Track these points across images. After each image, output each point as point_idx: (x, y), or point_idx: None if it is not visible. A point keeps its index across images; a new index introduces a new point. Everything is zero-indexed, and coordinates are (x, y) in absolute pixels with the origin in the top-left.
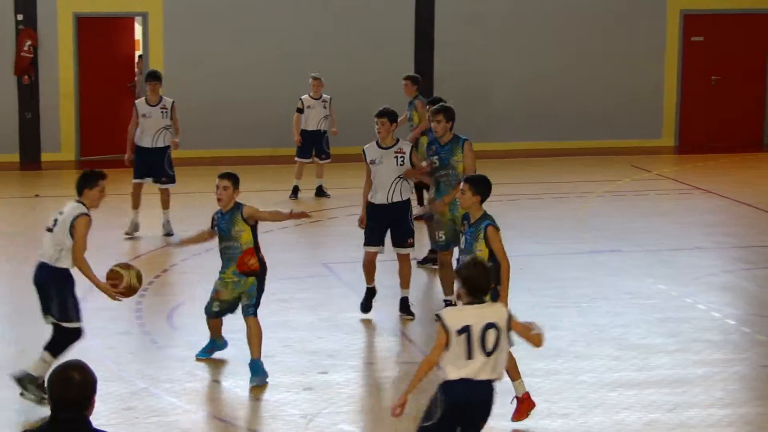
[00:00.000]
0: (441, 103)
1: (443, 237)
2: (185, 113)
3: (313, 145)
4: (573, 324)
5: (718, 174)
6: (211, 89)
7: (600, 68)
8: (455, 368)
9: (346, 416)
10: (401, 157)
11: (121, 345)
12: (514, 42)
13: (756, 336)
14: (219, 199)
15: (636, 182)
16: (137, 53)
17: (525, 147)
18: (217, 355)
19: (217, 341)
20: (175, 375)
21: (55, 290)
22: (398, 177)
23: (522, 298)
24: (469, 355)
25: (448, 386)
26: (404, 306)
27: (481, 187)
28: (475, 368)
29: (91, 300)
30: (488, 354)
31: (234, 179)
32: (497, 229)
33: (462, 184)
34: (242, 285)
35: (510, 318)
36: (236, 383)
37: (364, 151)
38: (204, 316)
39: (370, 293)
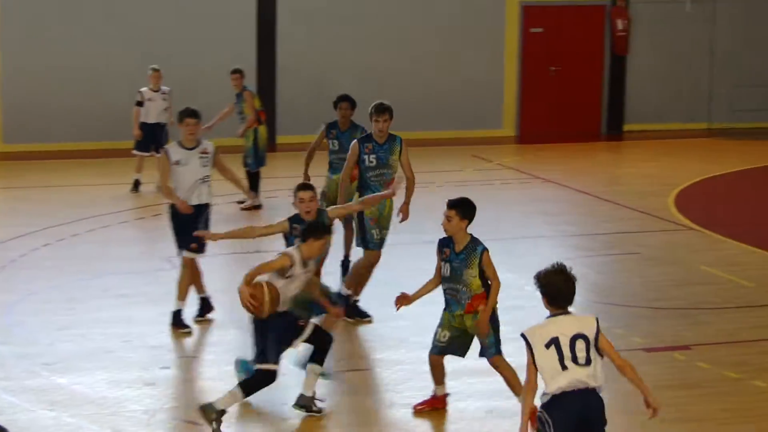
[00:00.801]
0: (381, 102)
1: (379, 236)
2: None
3: (153, 138)
4: (415, 314)
5: (558, 163)
6: (50, 81)
7: (441, 59)
8: (553, 382)
9: (186, 411)
10: (206, 158)
11: None
12: (356, 33)
13: None
14: (307, 212)
15: (478, 172)
16: None
17: None
18: (49, 351)
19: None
20: (13, 373)
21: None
22: (201, 179)
23: (368, 291)
24: (563, 367)
25: (550, 404)
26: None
27: (469, 210)
28: (575, 377)
29: None
30: (582, 365)
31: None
32: (488, 252)
33: (447, 209)
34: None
35: (598, 331)
36: (75, 380)
37: (167, 150)
38: None
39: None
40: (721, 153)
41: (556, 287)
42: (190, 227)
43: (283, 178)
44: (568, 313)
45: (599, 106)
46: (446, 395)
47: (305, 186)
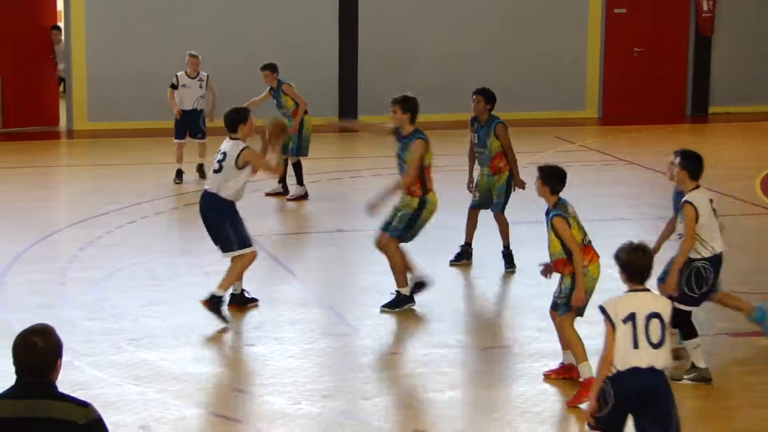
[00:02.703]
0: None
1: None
2: (110, 86)
3: (188, 125)
4: (498, 295)
5: (641, 145)
6: (135, 62)
7: (523, 41)
8: (623, 358)
9: (266, 389)
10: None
11: (42, 319)
12: (436, 15)
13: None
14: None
15: (560, 153)
16: (58, 24)
17: (448, 119)
18: (135, 327)
19: None
20: (99, 348)
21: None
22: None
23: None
24: (636, 344)
25: (616, 378)
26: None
27: (551, 179)
28: (643, 357)
29: (13, 274)
30: (654, 346)
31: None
32: (564, 218)
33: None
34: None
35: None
36: (161, 356)
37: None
38: None
39: None
40: None
41: (636, 263)
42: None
43: (362, 158)
44: (647, 290)
45: (684, 88)
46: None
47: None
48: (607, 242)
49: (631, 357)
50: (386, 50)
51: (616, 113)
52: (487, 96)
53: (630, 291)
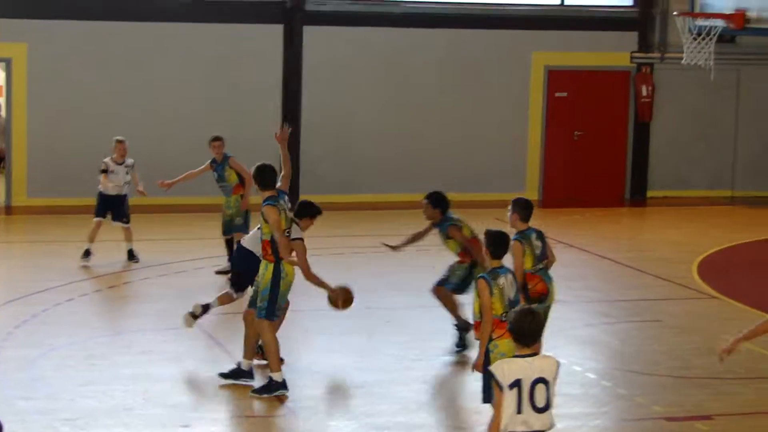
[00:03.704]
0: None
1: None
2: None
3: (112, 208)
4: (432, 377)
5: (581, 228)
6: (76, 139)
7: (465, 122)
8: (510, 425)
9: None
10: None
11: None
12: (380, 96)
13: (616, 390)
14: None
15: None
16: None
17: (390, 199)
18: (70, 407)
19: None
20: (34, 429)
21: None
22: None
23: (389, 351)
24: (519, 410)
25: None
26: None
27: (491, 244)
28: (528, 423)
29: None
30: (539, 410)
31: None
32: (488, 283)
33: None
34: None
35: (557, 376)
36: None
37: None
38: None
39: None
40: (744, 221)
41: (523, 327)
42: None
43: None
44: (534, 354)
45: (623, 172)
46: None
47: None
48: (547, 324)
49: (516, 423)
50: (329, 129)
51: (557, 196)
52: (433, 201)
53: (518, 356)
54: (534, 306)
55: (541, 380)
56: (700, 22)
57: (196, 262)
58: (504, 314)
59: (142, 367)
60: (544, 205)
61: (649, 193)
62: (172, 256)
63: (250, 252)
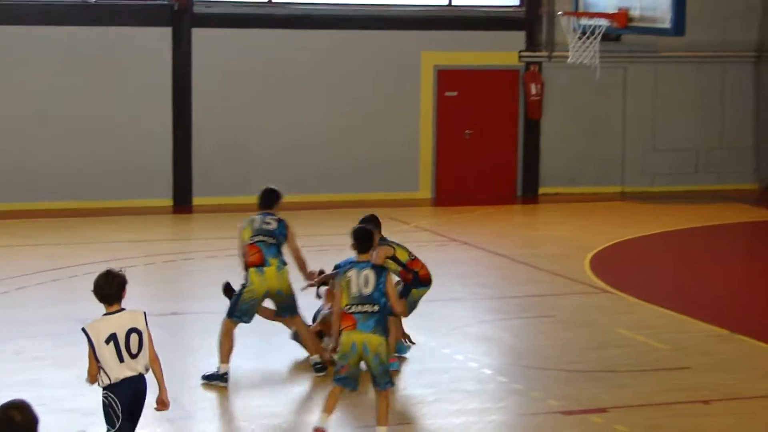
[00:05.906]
0: None
1: None
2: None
3: None
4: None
5: (474, 226)
6: (11, 143)
7: (356, 122)
8: (113, 373)
9: None
10: None
11: None
12: (271, 97)
13: (512, 385)
14: None
15: (394, 234)
16: None
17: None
18: None
19: None
20: None
21: None
22: None
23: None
24: (121, 359)
25: (112, 387)
26: None
27: (353, 239)
28: (128, 368)
29: None
30: (134, 356)
31: None
32: (341, 278)
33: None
34: None
35: (147, 324)
36: None
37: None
38: None
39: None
40: (634, 217)
41: (104, 287)
42: None
43: (197, 240)
44: (122, 309)
45: (514, 169)
46: None
47: None
48: (442, 322)
49: (119, 370)
50: (220, 131)
51: (449, 194)
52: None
53: (107, 314)
54: (112, 268)
55: (134, 330)
56: (585, 21)
57: (88, 267)
58: (348, 306)
59: (34, 373)
60: (437, 203)
61: (541, 190)
62: (65, 261)
63: None
